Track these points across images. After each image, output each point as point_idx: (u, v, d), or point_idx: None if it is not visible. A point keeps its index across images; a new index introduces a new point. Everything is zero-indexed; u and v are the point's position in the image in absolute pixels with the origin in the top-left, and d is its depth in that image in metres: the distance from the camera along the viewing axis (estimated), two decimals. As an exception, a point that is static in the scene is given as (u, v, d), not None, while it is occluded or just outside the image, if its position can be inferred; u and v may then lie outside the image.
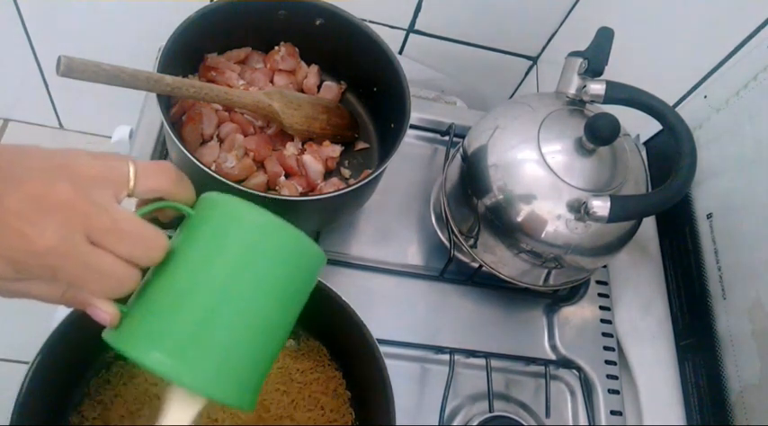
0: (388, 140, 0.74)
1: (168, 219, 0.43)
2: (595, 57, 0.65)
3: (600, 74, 0.66)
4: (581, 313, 0.78)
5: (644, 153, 0.85)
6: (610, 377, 0.74)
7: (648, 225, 0.84)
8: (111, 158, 0.37)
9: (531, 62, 1.17)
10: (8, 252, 0.33)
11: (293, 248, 0.40)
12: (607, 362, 0.75)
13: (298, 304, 0.42)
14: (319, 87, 0.78)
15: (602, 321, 0.78)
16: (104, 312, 0.37)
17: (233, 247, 0.38)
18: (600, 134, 0.60)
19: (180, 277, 0.38)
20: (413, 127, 0.84)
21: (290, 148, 0.73)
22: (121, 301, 0.39)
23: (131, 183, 0.37)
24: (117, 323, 0.37)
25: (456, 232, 0.73)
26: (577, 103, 0.67)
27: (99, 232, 0.35)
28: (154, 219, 0.42)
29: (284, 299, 0.40)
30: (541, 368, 0.72)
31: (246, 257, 0.39)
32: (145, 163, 0.39)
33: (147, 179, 0.38)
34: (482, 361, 0.70)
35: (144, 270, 0.38)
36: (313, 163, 0.72)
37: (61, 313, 0.52)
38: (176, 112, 0.70)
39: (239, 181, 0.66)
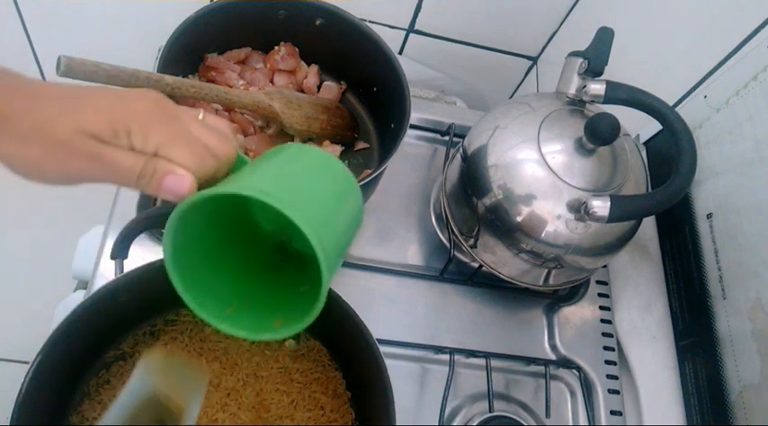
0: (388, 140, 0.74)
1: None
2: (595, 57, 0.65)
3: (600, 74, 0.66)
4: (581, 313, 0.78)
5: (644, 153, 0.85)
6: (610, 377, 0.74)
7: (648, 225, 0.84)
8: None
9: (531, 62, 1.17)
10: (110, 111, 0.35)
11: (348, 184, 0.44)
12: (607, 362, 0.75)
13: (354, 222, 0.45)
14: (319, 87, 0.78)
15: (602, 321, 0.78)
16: (183, 177, 0.37)
17: (300, 164, 0.42)
18: (600, 134, 0.60)
19: (258, 167, 0.40)
20: (413, 127, 0.84)
21: (290, 148, 0.73)
22: None
23: (200, 118, 0.40)
24: (194, 189, 0.37)
25: (456, 232, 0.73)
26: (577, 103, 0.67)
27: (186, 118, 0.38)
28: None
29: (347, 207, 0.43)
30: (541, 368, 0.72)
31: (312, 164, 0.42)
32: (210, 113, 0.42)
33: (213, 119, 0.41)
34: (482, 361, 0.70)
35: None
36: (313, 163, 0.72)
37: (61, 313, 0.52)
38: (176, 112, 0.70)
39: (239, 181, 0.66)
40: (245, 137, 0.71)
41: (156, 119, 0.36)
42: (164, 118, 0.37)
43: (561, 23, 1.07)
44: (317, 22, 0.74)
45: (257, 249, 0.48)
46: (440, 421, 0.66)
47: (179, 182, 0.37)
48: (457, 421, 0.68)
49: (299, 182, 0.40)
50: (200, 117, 0.40)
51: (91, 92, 0.37)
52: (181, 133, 0.37)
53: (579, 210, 0.61)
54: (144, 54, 0.79)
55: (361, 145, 0.78)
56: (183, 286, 0.41)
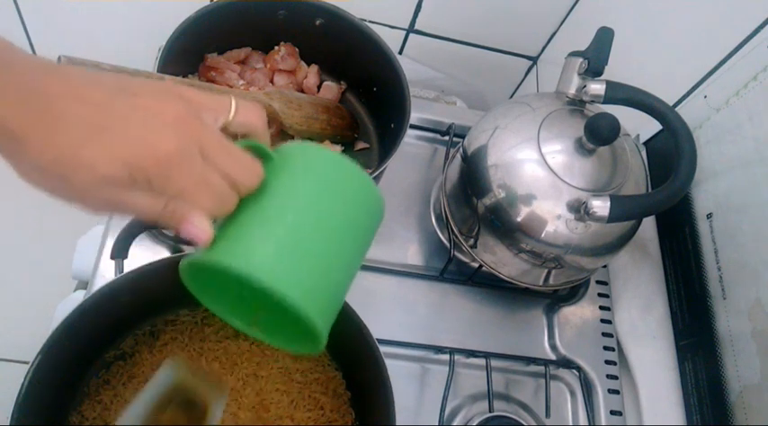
0: (388, 140, 0.74)
1: None
2: (595, 57, 0.65)
3: (600, 74, 0.66)
4: (581, 313, 0.78)
5: (644, 153, 0.85)
6: (610, 377, 0.74)
7: (648, 225, 0.84)
8: (214, 91, 0.40)
9: (531, 62, 1.17)
10: (129, 155, 0.33)
11: (366, 191, 0.44)
12: (607, 362, 0.75)
13: (364, 243, 0.44)
14: (319, 87, 0.78)
15: (602, 321, 0.78)
16: (200, 228, 0.36)
17: (317, 181, 0.41)
18: (600, 134, 0.60)
19: (269, 204, 0.39)
20: (413, 127, 0.84)
21: (290, 148, 0.73)
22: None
23: (232, 113, 0.39)
24: (209, 241, 0.37)
25: (456, 232, 0.73)
26: (577, 103, 0.67)
27: (210, 147, 0.36)
28: None
29: (356, 233, 0.42)
30: (541, 368, 0.72)
31: (328, 189, 0.41)
32: (243, 100, 0.40)
33: (245, 112, 0.40)
34: (482, 361, 0.70)
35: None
36: (313, 163, 0.72)
37: (61, 313, 0.52)
38: (176, 112, 0.70)
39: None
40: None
41: (178, 164, 0.34)
42: (185, 160, 0.35)
43: (561, 23, 1.07)
44: (317, 22, 0.74)
45: None
46: (440, 421, 0.66)
47: (195, 235, 0.37)
48: (457, 421, 0.68)
49: (301, 241, 0.39)
50: (231, 114, 0.39)
51: (113, 115, 0.34)
52: (201, 179, 0.36)
53: (579, 210, 0.61)
54: (144, 54, 0.79)
55: (361, 145, 0.78)
56: (208, 300, 0.42)
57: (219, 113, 0.38)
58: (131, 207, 0.35)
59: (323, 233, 0.39)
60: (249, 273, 0.36)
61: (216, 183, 0.36)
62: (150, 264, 0.54)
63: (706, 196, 0.75)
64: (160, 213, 0.35)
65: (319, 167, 0.42)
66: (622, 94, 0.64)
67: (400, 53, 1.13)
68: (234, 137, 0.40)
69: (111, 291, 0.53)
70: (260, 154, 0.40)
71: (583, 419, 0.71)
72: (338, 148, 0.75)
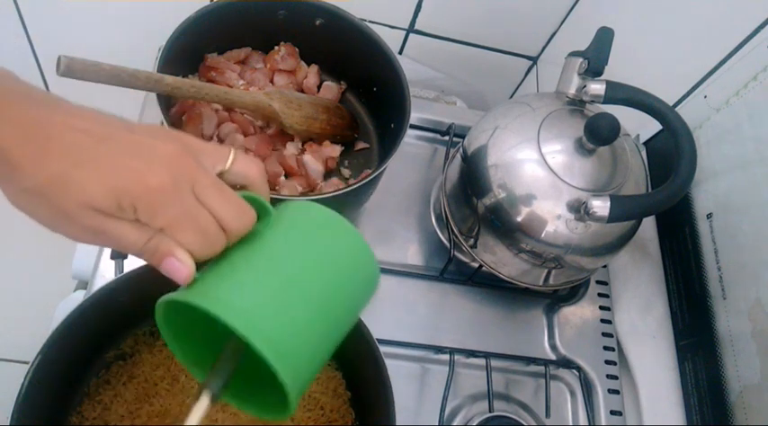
0: (388, 140, 0.74)
1: None
2: (595, 57, 0.65)
3: (600, 74, 0.66)
4: (581, 313, 0.78)
5: (644, 153, 0.85)
6: (610, 377, 0.74)
7: (648, 225, 0.84)
8: (213, 142, 0.39)
9: (531, 62, 1.17)
10: (118, 182, 0.33)
11: (361, 255, 0.41)
12: (607, 362, 0.75)
13: (352, 313, 0.42)
14: (319, 87, 0.78)
15: (602, 321, 0.78)
16: (183, 265, 0.35)
17: (313, 241, 0.40)
18: (600, 134, 0.60)
19: (259, 255, 0.38)
20: (413, 127, 0.84)
21: (290, 148, 0.73)
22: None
23: (229, 162, 0.38)
24: (190, 280, 0.36)
25: (456, 232, 0.73)
26: (577, 103, 0.67)
27: (203, 186, 0.36)
28: None
29: (346, 302, 0.41)
30: (541, 368, 0.72)
31: (323, 251, 0.40)
32: (242, 153, 0.40)
33: (242, 163, 0.39)
34: (482, 361, 0.70)
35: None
36: (313, 163, 0.72)
37: (61, 313, 0.52)
38: (176, 112, 0.70)
39: (239, 181, 0.66)
40: (245, 137, 0.71)
41: (167, 196, 0.34)
42: (175, 193, 0.34)
43: (561, 23, 1.07)
44: (317, 22, 0.74)
45: None
46: (440, 421, 0.66)
47: (177, 270, 0.36)
48: (457, 421, 0.68)
49: (280, 284, 0.37)
50: (228, 163, 0.38)
51: (107, 145, 0.34)
52: (190, 214, 0.35)
53: (579, 210, 0.61)
54: (144, 54, 0.79)
55: (361, 145, 0.78)
56: (179, 351, 0.41)
57: (217, 160, 0.38)
58: (115, 236, 0.35)
59: (311, 295, 0.38)
60: (226, 317, 0.34)
61: (204, 222, 0.36)
62: (150, 264, 0.54)
63: (706, 196, 0.75)
64: (143, 247, 0.35)
65: (320, 229, 0.40)
66: (622, 94, 0.64)
67: (400, 53, 1.13)
68: (232, 188, 0.40)
69: (111, 291, 0.53)
70: (258, 207, 0.39)
71: (583, 419, 0.71)
72: (338, 148, 0.75)
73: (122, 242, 0.35)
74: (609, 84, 0.64)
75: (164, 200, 0.34)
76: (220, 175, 0.38)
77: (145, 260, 0.36)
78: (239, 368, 0.42)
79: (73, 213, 0.33)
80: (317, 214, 0.41)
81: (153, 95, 0.61)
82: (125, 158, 0.34)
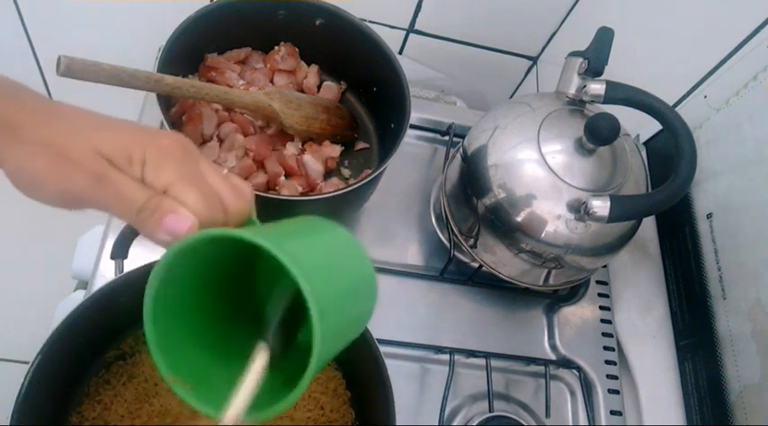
0: (388, 140, 0.74)
1: None
2: (595, 57, 0.65)
3: (600, 74, 0.66)
4: (581, 313, 0.78)
5: (644, 153, 0.85)
6: (610, 377, 0.74)
7: (648, 225, 0.84)
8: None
9: (531, 62, 1.17)
10: (131, 136, 0.34)
11: (370, 273, 0.42)
12: (607, 362, 0.75)
13: (365, 316, 0.43)
14: (319, 87, 0.78)
15: (602, 321, 0.78)
16: (187, 218, 0.34)
17: (332, 243, 0.41)
18: (600, 134, 0.60)
19: (296, 227, 0.39)
20: (413, 127, 0.84)
21: (290, 148, 0.73)
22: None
23: (225, 172, 0.39)
24: (194, 229, 0.34)
25: (456, 232, 0.73)
26: (577, 103, 0.67)
27: (206, 164, 0.37)
28: None
29: (363, 302, 0.42)
30: (541, 368, 0.72)
31: (344, 257, 0.41)
32: (234, 176, 0.41)
33: (235, 180, 0.40)
34: (482, 361, 0.70)
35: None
36: (313, 163, 0.72)
37: (61, 313, 0.52)
38: (176, 112, 0.70)
39: (239, 182, 0.66)
40: (245, 137, 0.71)
41: (175, 156, 0.35)
42: (183, 157, 0.35)
43: (561, 23, 1.07)
44: (317, 22, 0.74)
45: (240, 322, 0.44)
46: (440, 421, 0.66)
47: (180, 222, 0.34)
48: (457, 421, 0.68)
49: (319, 251, 0.38)
50: (224, 172, 0.39)
51: (114, 120, 0.36)
52: (196, 176, 0.35)
53: (579, 210, 0.61)
54: (144, 54, 0.79)
55: (361, 145, 0.78)
56: (156, 344, 0.37)
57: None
58: (117, 188, 0.34)
59: (347, 274, 0.39)
60: (278, 252, 0.32)
61: (207, 189, 0.36)
62: (150, 264, 0.54)
63: (706, 196, 0.75)
64: (143, 205, 0.34)
65: (321, 226, 0.42)
66: (622, 94, 0.64)
67: (400, 53, 1.13)
68: None
69: (111, 291, 0.53)
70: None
71: (583, 419, 0.71)
72: (338, 148, 0.75)
73: (122, 196, 0.34)
74: (609, 84, 0.64)
75: (173, 158, 0.35)
76: None
77: (140, 224, 0.35)
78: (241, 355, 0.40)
79: (80, 157, 0.33)
80: (320, 221, 0.42)
81: (153, 95, 0.61)
82: (137, 128, 0.35)
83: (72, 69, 0.52)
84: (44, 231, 1.16)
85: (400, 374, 0.69)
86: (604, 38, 0.65)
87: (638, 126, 0.86)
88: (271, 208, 0.61)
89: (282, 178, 0.71)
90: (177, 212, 0.34)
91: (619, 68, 0.67)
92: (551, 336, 0.76)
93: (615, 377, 0.74)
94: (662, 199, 0.60)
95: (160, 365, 0.37)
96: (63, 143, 0.33)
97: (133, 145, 0.34)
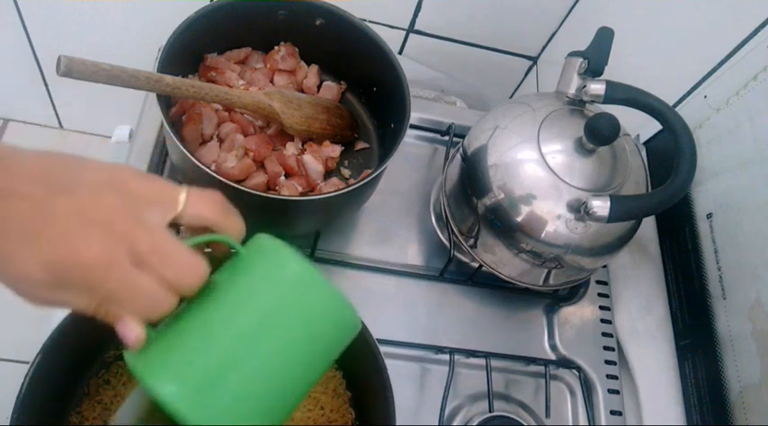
0: (388, 140, 0.74)
1: (222, 254, 0.42)
2: (595, 57, 0.65)
3: (600, 74, 0.66)
4: (581, 313, 0.78)
5: (644, 153, 0.85)
6: (610, 377, 0.74)
7: (648, 225, 0.84)
8: (164, 181, 0.38)
9: (531, 62, 1.17)
10: (52, 259, 0.33)
11: (333, 312, 0.39)
12: (607, 362, 0.75)
13: (322, 367, 0.41)
14: (319, 87, 0.78)
15: (602, 321, 0.78)
16: (129, 331, 0.35)
17: (272, 299, 0.38)
18: (600, 134, 0.60)
19: (212, 316, 0.37)
20: (413, 127, 0.84)
21: (290, 148, 0.73)
22: (153, 325, 0.37)
23: (180, 207, 0.37)
24: (140, 345, 0.36)
25: (456, 232, 0.73)
26: (577, 103, 0.67)
27: (141, 251, 0.35)
28: (211, 257, 0.40)
29: (311, 361, 0.39)
30: (541, 368, 0.72)
31: (284, 312, 0.38)
32: (197, 190, 0.38)
33: (195, 205, 0.38)
34: (482, 361, 0.70)
35: (182, 299, 0.37)
36: (313, 163, 0.72)
37: (61, 313, 0.52)
38: (176, 112, 0.70)
39: (239, 182, 0.66)
40: (245, 137, 0.71)
41: (101, 270, 0.34)
42: (110, 266, 0.34)
43: (561, 23, 1.07)
44: (317, 22, 0.74)
45: None
46: (440, 421, 0.66)
47: (126, 337, 0.35)
48: (457, 421, 0.68)
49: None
50: (179, 207, 0.37)
51: (48, 216, 0.33)
52: (128, 285, 0.34)
53: (579, 210, 0.61)
54: (144, 54, 0.79)
55: (361, 145, 0.78)
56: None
57: (166, 208, 0.37)
58: (65, 305, 0.35)
59: (267, 359, 0.37)
60: (162, 399, 0.34)
61: (145, 288, 0.35)
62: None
63: (706, 196, 0.75)
64: (94, 312, 0.35)
65: (282, 280, 0.38)
66: (622, 94, 0.64)
67: (400, 53, 1.13)
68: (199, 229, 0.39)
69: (111, 291, 0.53)
70: (226, 244, 0.38)
71: (583, 419, 0.71)
72: (338, 148, 0.75)
73: (75, 308, 0.35)
74: (609, 84, 0.64)
75: (98, 275, 0.34)
76: (178, 219, 0.37)
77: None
78: None
79: (20, 286, 0.34)
80: (286, 260, 0.39)
81: (153, 95, 0.61)
82: (62, 232, 0.33)
83: (72, 69, 0.51)
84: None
85: (400, 374, 0.69)
86: (604, 38, 0.65)
87: (638, 126, 0.86)
88: (271, 209, 0.61)
89: (282, 178, 0.71)
90: (123, 323, 0.35)
91: (619, 68, 0.67)
92: (551, 336, 0.76)
93: (615, 377, 0.74)
94: (662, 199, 0.60)
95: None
96: (6, 272, 0.34)
97: (57, 268, 0.33)
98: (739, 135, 0.70)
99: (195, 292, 0.37)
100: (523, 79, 1.21)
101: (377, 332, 0.56)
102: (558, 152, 0.63)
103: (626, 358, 0.76)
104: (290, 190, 0.70)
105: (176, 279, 0.36)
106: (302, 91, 0.77)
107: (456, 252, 0.75)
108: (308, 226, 0.71)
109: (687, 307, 0.77)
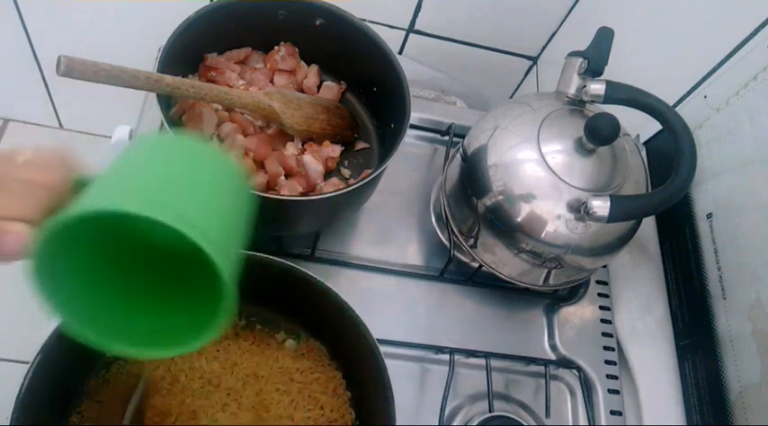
0: (388, 140, 0.74)
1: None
2: (595, 57, 0.65)
3: (600, 74, 0.66)
4: (581, 313, 0.78)
5: (644, 153, 0.85)
6: (610, 377, 0.74)
7: (648, 225, 0.84)
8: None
9: (531, 62, 1.17)
10: None
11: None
12: (607, 362, 0.75)
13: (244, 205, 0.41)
14: (319, 87, 0.78)
15: (603, 321, 0.78)
16: (14, 232, 0.34)
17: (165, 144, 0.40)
18: (600, 134, 0.60)
19: (130, 160, 0.38)
20: (413, 127, 0.84)
21: (290, 148, 0.73)
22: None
23: (27, 155, 0.37)
24: (28, 243, 0.34)
25: (456, 232, 0.73)
26: (577, 103, 0.67)
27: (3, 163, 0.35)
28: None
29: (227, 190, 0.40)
30: (541, 368, 0.72)
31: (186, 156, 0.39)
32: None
33: (39, 156, 0.37)
34: (482, 361, 0.70)
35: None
36: (313, 163, 0.72)
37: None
38: (176, 112, 0.70)
39: (239, 181, 0.66)
40: (245, 137, 0.71)
41: None
42: None
43: (561, 23, 1.07)
44: (317, 22, 0.74)
45: (144, 256, 0.43)
46: (440, 421, 0.66)
47: (15, 240, 0.34)
48: (457, 421, 0.68)
49: (157, 177, 0.36)
50: (25, 157, 0.36)
51: None
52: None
53: (579, 210, 0.61)
54: (144, 54, 0.79)
55: (361, 145, 0.78)
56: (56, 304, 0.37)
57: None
58: None
59: (194, 174, 0.38)
60: (129, 210, 0.32)
61: (15, 182, 0.34)
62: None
63: (706, 196, 0.75)
64: None
65: (149, 148, 0.40)
66: (622, 94, 0.64)
67: (400, 53, 1.13)
68: None
69: (111, 291, 0.53)
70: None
71: (583, 419, 0.71)
72: (338, 148, 0.75)
73: None
74: (609, 84, 0.64)
75: None
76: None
77: None
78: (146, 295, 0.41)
79: None
80: (144, 142, 0.41)
81: (153, 95, 0.61)
82: None
83: (72, 69, 0.52)
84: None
85: (400, 374, 0.69)
86: (604, 38, 0.65)
87: (638, 126, 0.86)
88: (271, 209, 0.61)
89: (282, 178, 0.71)
90: (6, 231, 0.34)
91: (619, 68, 0.67)
92: (551, 336, 0.76)
93: (615, 377, 0.74)
94: (662, 199, 0.60)
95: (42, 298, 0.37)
96: None
97: None
98: (739, 135, 0.70)
99: (68, 189, 0.36)
100: (523, 79, 1.21)
101: (377, 332, 0.56)
102: (558, 152, 0.63)
103: (626, 358, 0.76)
104: (290, 190, 0.70)
105: (44, 175, 0.35)
106: (302, 91, 0.77)
107: (456, 252, 0.75)
108: (308, 226, 0.71)
109: (687, 307, 0.77)
